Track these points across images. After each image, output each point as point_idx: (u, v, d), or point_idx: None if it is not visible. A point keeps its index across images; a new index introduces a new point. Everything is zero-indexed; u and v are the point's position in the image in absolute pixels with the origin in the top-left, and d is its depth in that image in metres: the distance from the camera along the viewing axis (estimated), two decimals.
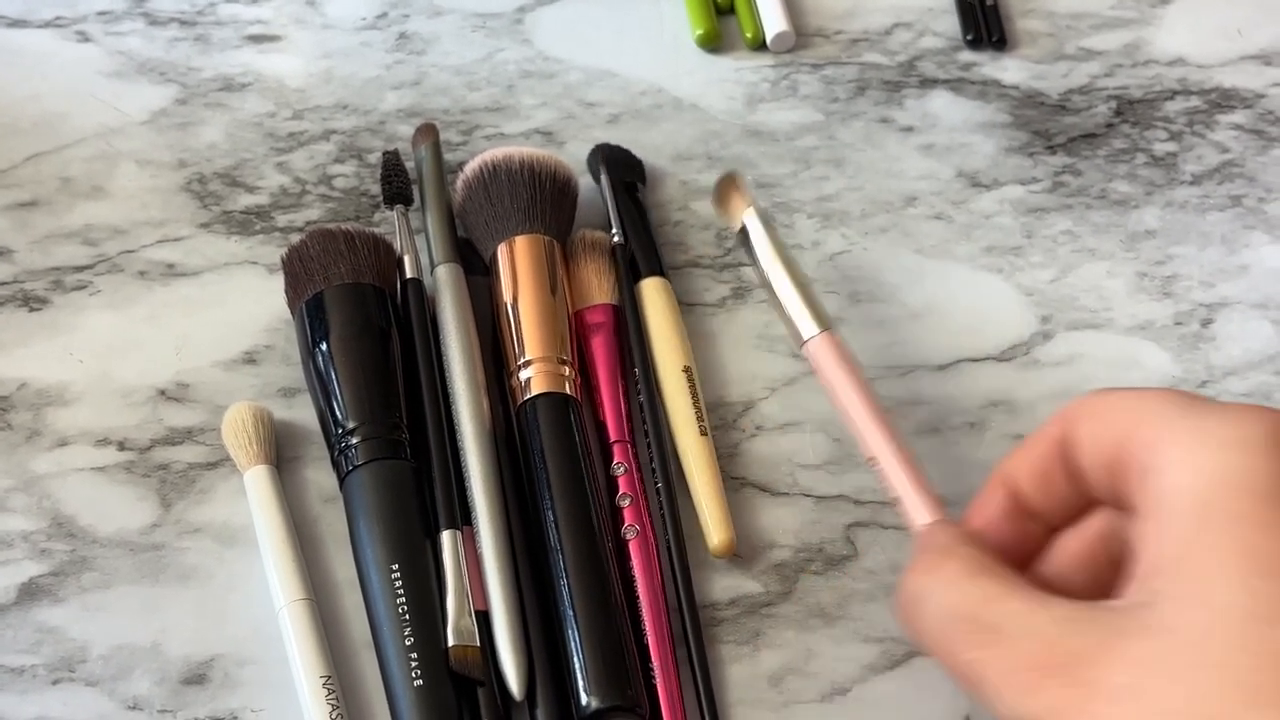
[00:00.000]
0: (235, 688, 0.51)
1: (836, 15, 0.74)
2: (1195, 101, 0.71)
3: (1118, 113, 0.70)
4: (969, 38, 0.73)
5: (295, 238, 0.61)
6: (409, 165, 0.64)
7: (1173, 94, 0.71)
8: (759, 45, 0.72)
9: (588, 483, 0.54)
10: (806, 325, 0.54)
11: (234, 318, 0.61)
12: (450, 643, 0.50)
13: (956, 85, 0.71)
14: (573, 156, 0.66)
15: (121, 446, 0.57)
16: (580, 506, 0.53)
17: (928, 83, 0.71)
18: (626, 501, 0.54)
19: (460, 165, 0.63)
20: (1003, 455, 0.57)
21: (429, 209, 0.61)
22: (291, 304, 0.58)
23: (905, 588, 0.43)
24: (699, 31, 0.72)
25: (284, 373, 0.59)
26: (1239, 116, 0.70)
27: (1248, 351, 0.61)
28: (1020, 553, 0.45)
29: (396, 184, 0.62)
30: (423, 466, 0.54)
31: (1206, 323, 0.62)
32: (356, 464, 0.53)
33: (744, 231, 0.57)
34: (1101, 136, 0.69)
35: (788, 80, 0.71)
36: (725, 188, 0.59)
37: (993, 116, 0.70)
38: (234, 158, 0.66)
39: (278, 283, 0.60)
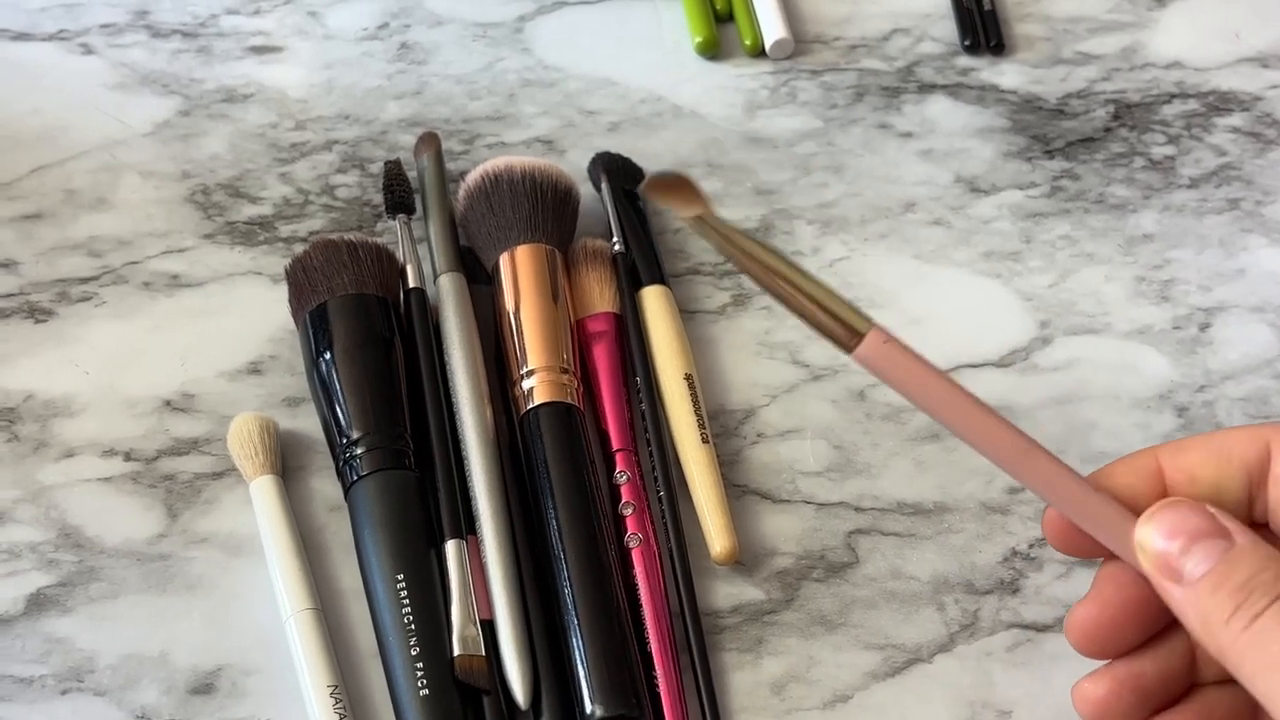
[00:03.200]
0: (243, 697, 0.51)
1: (835, 21, 0.74)
2: (1193, 105, 0.71)
3: (1115, 116, 0.70)
4: (967, 43, 0.73)
5: (298, 248, 0.61)
6: (411, 175, 0.64)
7: (1170, 97, 0.71)
8: (758, 52, 0.73)
9: (590, 491, 0.54)
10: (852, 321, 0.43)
11: (239, 328, 0.61)
12: (455, 652, 0.50)
13: (954, 90, 0.71)
14: (573, 165, 0.66)
15: (128, 457, 0.57)
16: (583, 515, 0.53)
17: (926, 88, 0.71)
18: (629, 510, 0.55)
19: (462, 174, 0.63)
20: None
21: (431, 218, 0.62)
22: (295, 314, 0.59)
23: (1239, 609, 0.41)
24: (698, 39, 0.72)
25: (289, 383, 0.59)
26: (1237, 119, 0.70)
27: (1246, 356, 0.62)
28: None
29: (398, 193, 0.62)
30: (427, 476, 0.55)
31: (1204, 327, 0.63)
32: (361, 474, 0.54)
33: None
34: (1099, 140, 0.69)
35: (787, 87, 0.71)
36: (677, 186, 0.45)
37: (991, 121, 0.70)
38: (237, 168, 0.67)
39: (282, 293, 0.60)
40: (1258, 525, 0.45)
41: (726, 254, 0.43)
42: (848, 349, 0.42)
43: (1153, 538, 0.42)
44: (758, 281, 0.43)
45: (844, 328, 0.42)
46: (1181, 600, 0.41)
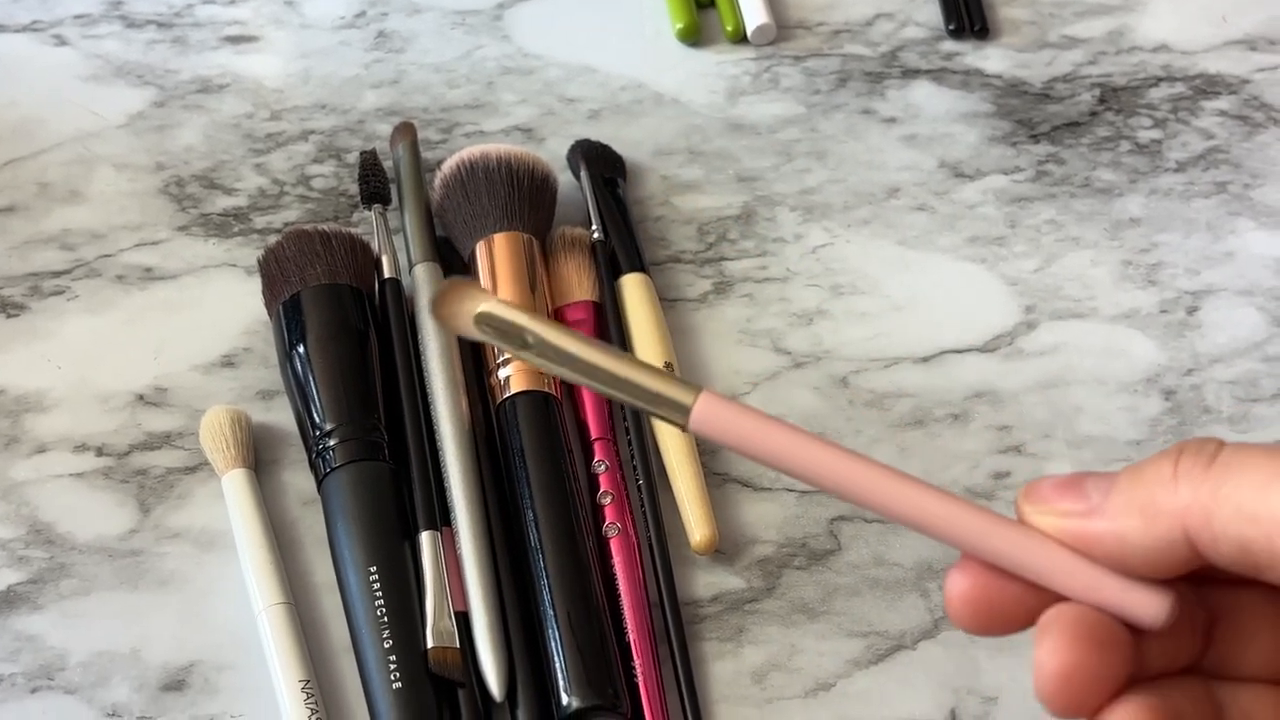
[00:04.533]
0: (214, 693, 0.50)
1: (818, 7, 0.73)
2: (1180, 88, 0.70)
3: (1101, 100, 0.70)
4: (951, 27, 0.72)
5: (274, 239, 0.61)
6: (387, 164, 0.63)
7: (1157, 81, 0.71)
8: (740, 38, 0.72)
9: (568, 481, 0.53)
10: (678, 394, 0.37)
11: (212, 321, 0.60)
12: (429, 644, 0.49)
13: (939, 75, 0.70)
14: (553, 153, 0.65)
15: (100, 452, 0.56)
16: (561, 505, 0.53)
17: (910, 73, 0.71)
18: (608, 499, 0.54)
19: (440, 164, 0.63)
20: (986, 447, 0.57)
21: (407, 208, 0.61)
22: (269, 306, 0.58)
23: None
24: (679, 25, 0.71)
25: (262, 375, 0.58)
26: (1224, 103, 0.70)
27: (1234, 339, 0.61)
28: None
29: (374, 184, 0.61)
30: (401, 467, 0.54)
31: (1192, 310, 0.62)
32: (334, 466, 0.53)
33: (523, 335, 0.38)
34: (1085, 124, 0.69)
35: (769, 73, 0.70)
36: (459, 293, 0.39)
37: (975, 106, 0.69)
38: (212, 160, 0.66)
39: (256, 285, 0.59)
40: None
41: (525, 353, 0.37)
42: (683, 425, 0.37)
43: (1046, 502, 0.36)
44: (572, 376, 0.38)
45: (671, 404, 0.37)
46: (1107, 521, 0.35)
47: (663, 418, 0.38)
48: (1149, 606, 0.36)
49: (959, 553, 0.51)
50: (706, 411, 0.37)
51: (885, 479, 0.37)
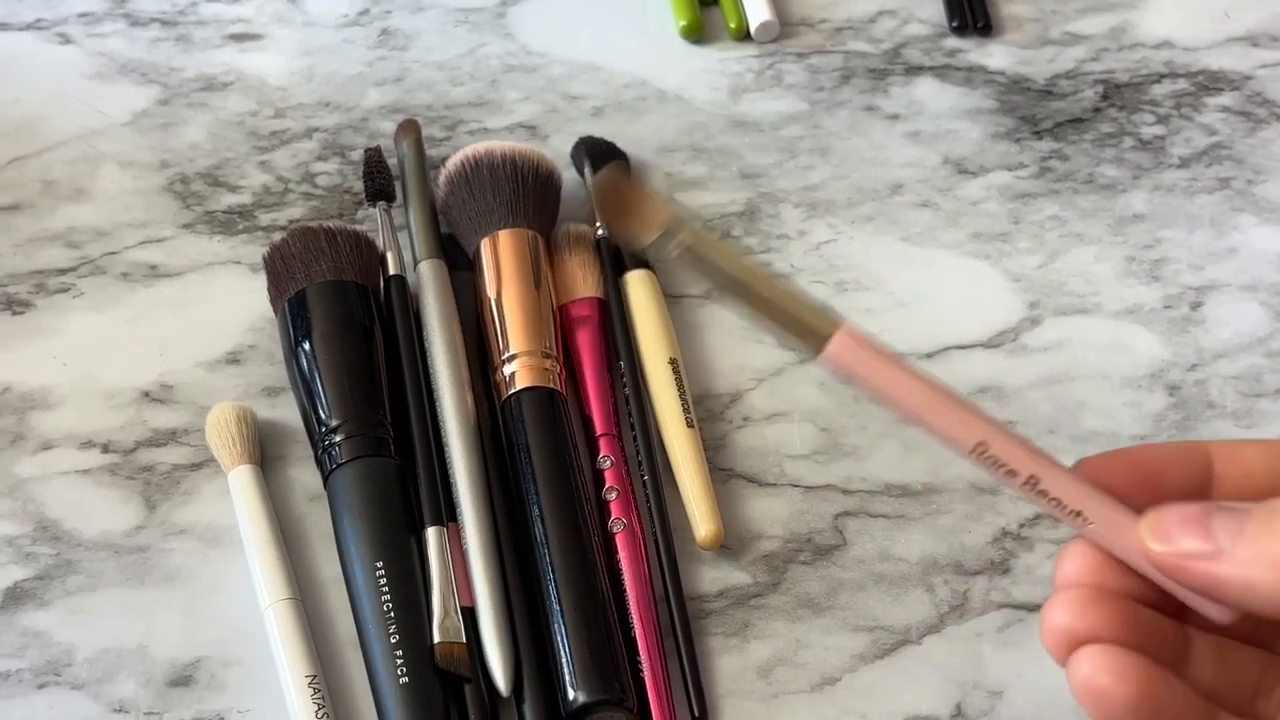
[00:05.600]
0: (221, 689, 0.51)
1: (821, 4, 0.73)
2: (1182, 84, 0.70)
3: (1104, 97, 0.70)
4: (954, 24, 0.72)
5: (278, 236, 0.61)
6: (391, 162, 0.63)
7: (1160, 77, 0.71)
8: (743, 35, 0.72)
9: (573, 477, 0.53)
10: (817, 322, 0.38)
11: (217, 318, 0.60)
12: (436, 639, 0.49)
13: (942, 72, 0.71)
14: (556, 150, 0.65)
15: (105, 449, 0.56)
16: (566, 501, 0.53)
17: (913, 70, 0.71)
18: (613, 495, 0.54)
19: (444, 161, 0.63)
20: None
21: (411, 205, 0.61)
22: (274, 303, 0.58)
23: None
24: (682, 22, 0.72)
25: (268, 372, 0.59)
26: (1227, 99, 0.70)
27: (1237, 334, 0.61)
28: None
29: (378, 181, 0.62)
30: (407, 463, 0.54)
31: (1196, 306, 0.62)
32: (340, 462, 0.53)
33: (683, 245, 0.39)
34: (1088, 121, 0.69)
35: (772, 70, 0.71)
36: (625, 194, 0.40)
37: (979, 103, 0.69)
38: (216, 157, 0.66)
39: (261, 282, 0.59)
40: None
41: (698, 268, 0.38)
42: (814, 354, 0.38)
43: (1172, 541, 0.36)
44: (727, 292, 0.39)
45: (808, 331, 0.38)
46: (1238, 569, 0.35)
47: (798, 345, 0.38)
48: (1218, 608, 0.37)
49: (961, 549, 0.52)
50: (842, 347, 0.37)
51: (1008, 443, 0.39)
